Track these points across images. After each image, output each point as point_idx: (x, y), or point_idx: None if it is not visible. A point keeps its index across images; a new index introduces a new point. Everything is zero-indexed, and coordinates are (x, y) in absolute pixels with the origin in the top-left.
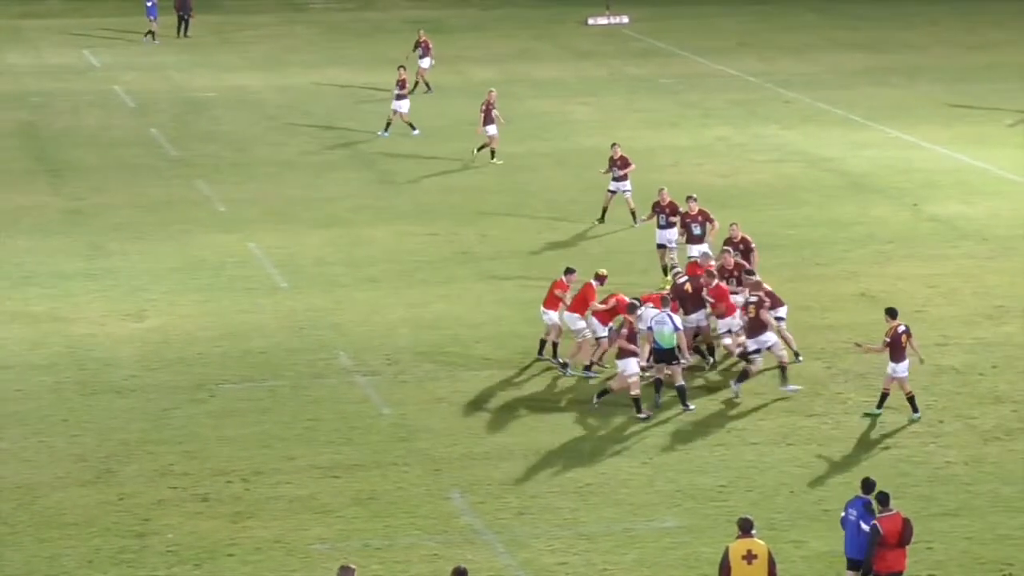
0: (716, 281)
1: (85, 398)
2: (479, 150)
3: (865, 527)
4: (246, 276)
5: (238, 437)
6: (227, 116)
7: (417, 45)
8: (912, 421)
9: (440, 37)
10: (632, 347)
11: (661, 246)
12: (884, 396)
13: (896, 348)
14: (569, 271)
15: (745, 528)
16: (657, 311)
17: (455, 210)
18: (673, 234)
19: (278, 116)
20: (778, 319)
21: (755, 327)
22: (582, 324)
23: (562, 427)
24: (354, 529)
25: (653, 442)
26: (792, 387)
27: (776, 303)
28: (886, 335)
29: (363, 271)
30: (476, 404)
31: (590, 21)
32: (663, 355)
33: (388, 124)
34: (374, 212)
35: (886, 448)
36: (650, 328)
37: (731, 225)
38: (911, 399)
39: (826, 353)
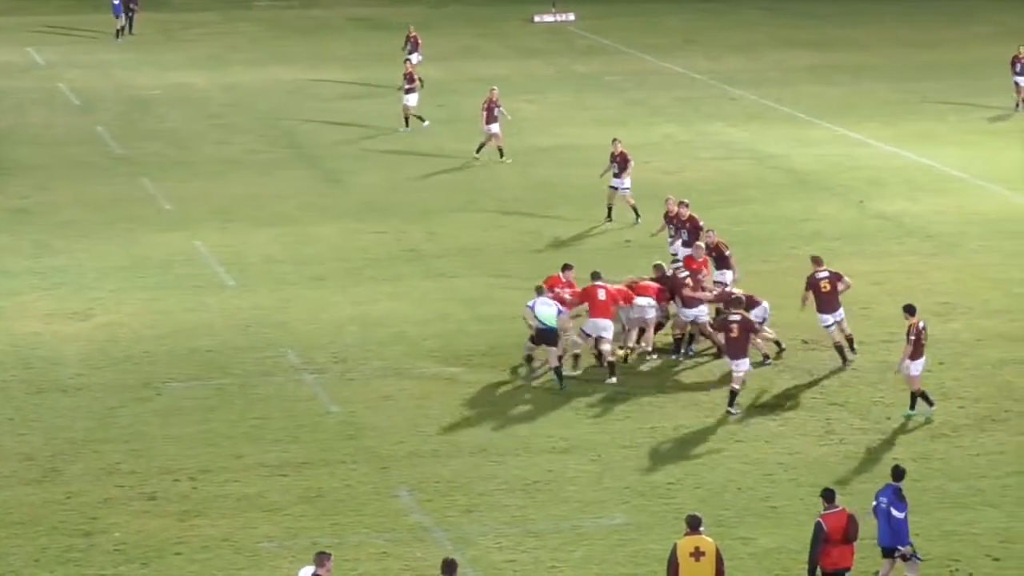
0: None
1: (31, 397)
2: (479, 150)
3: (897, 514)
4: (192, 274)
5: (185, 435)
6: (172, 114)
7: (407, 41)
8: (907, 417)
9: (384, 35)
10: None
11: (674, 255)
12: (921, 395)
13: (917, 345)
14: (566, 267)
15: (693, 525)
16: (648, 300)
17: (402, 208)
18: (679, 245)
19: (223, 114)
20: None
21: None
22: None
23: (510, 424)
24: (302, 527)
25: (601, 439)
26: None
27: (752, 304)
28: (909, 332)
29: (310, 269)
30: (423, 402)
31: (536, 19)
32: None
33: (406, 120)
34: (321, 210)
35: (833, 445)
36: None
37: (708, 232)
38: (916, 396)
39: (774, 350)
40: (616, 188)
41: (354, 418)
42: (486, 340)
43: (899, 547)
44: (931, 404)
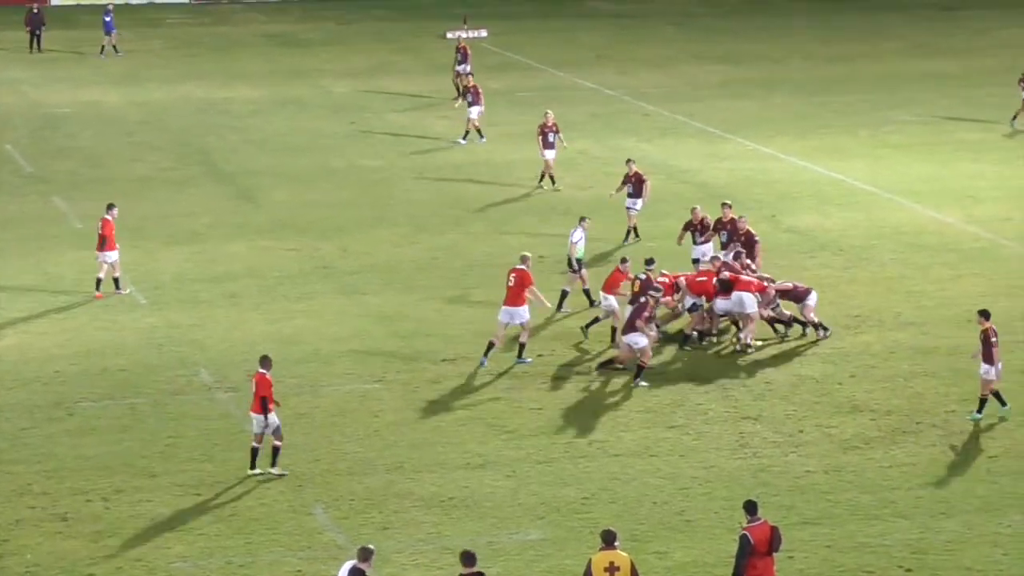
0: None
1: None
2: (541, 180)
3: None
4: (104, 293)
5: (98, 455)
6: (83, 132)
7: (458, 52)
8: (974, 421)
9: (296, 51)
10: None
11: (695, 260)
12: (995, 395)
13: (988, 349)
14: (623, 260)
15: (608, 540)
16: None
17: (315, 224)
18: (708, 249)
19: (136, 132)
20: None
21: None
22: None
23: (425, 441)
24: (216, 546)
25: (516, 455)
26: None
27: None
28: (990, 335)
29: (223, 287)
30: (338, 419)
31: (448, 35)
32: None
33: (479, 131)
34: (233, 227)
35: (747, 458)
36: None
37: (739, 218)
38: (996, 395)
39: (689, 364)
40: (630, 208)
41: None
42: (400, 357)
43: None
44: (979, 412)
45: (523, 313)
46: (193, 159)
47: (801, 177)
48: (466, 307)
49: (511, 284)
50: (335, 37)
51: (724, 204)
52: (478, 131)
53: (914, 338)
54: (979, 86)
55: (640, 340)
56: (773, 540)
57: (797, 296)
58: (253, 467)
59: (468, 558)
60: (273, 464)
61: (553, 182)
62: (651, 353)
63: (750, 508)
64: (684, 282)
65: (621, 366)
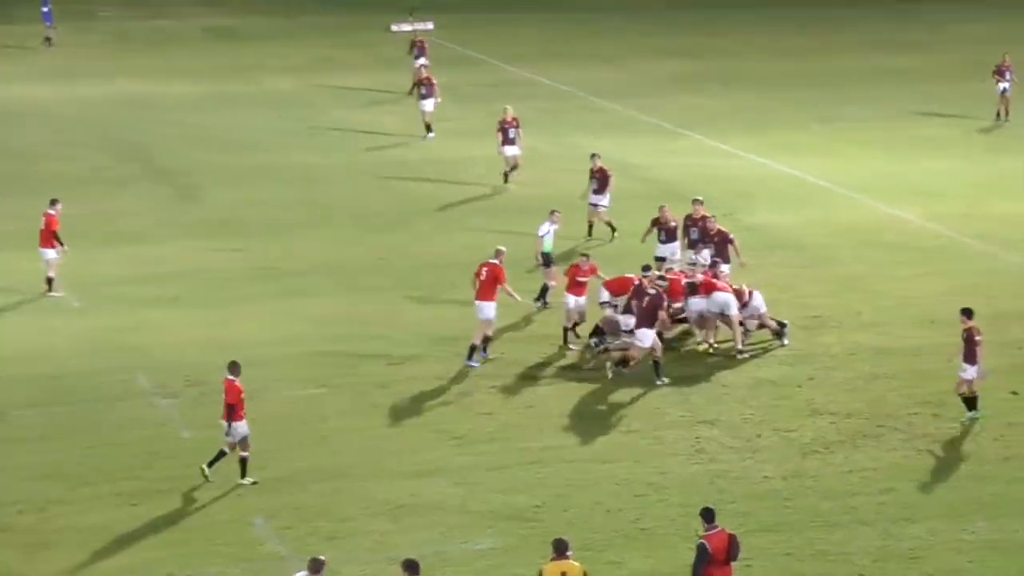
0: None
1: None
2: (512, 170)
3: None
4: (37, 296)
5: (31, 465)
6: (14, 129)
7: (413, 46)
8: (972, 420)
9: (237, 46)
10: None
11: (660, 259)
12: (968, 400)
13: (970, 348)
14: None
15: (560, 549)
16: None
17: (258, 224)
18: (675, 248)
19: (69, 129)
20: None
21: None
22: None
23: (372, 447)
24: (155, 558)
25: (466, 462)
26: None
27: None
28: (974, 335)
29: (162, 289)
30: (282, 425)
31: (393, 27)
32: None
33: (428, 126)
34: (172, 228)
35: (704, 464)
36: None
37: (709, 218)
38: (971, 399)
39: (646, 367)
40: (596, 205)
41: (209, 443)
42: (346, 360)
43: None
44: (972, 409)
45: (490, 310)
46: (130, 157)
47: (758, 174)
48: (415, 308)
49: (483, 278)
50: (277, 31)
51: (695, 200)
52: (427, 126)
53: (875, 339)
54: (938, 81)
55: (646, 337)
56: (731, 548)
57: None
58: (211, 466)
59: (410, 567)
60: (243, 475)
61: (506, 180)
62: (661, 345)
63: (707, 515)
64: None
65: (634, 364)
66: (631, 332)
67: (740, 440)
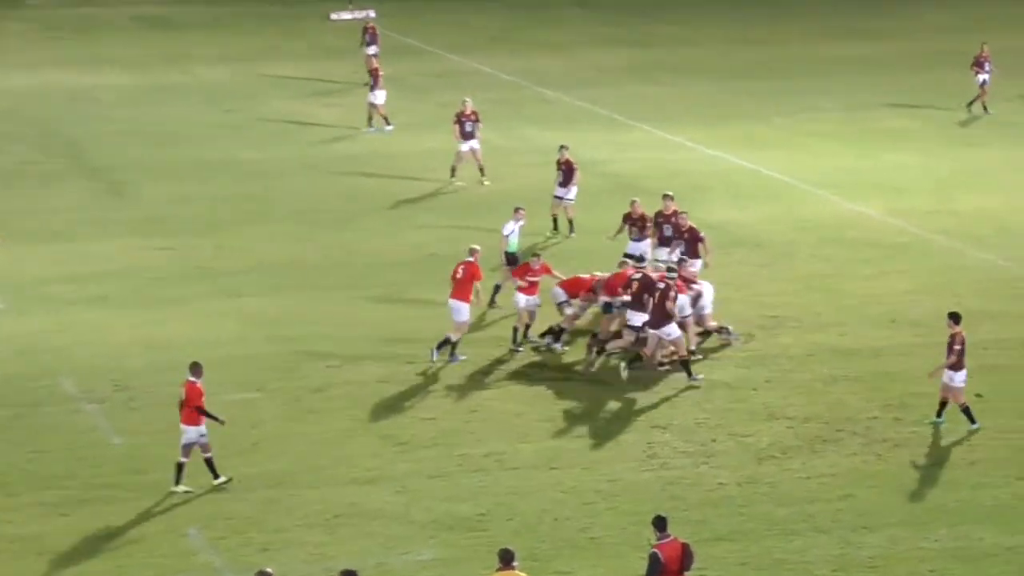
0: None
1: None
2: (482, 173)
3: None
4: None
5: None
6: None
7: (365, 33)
8: (935, 424)
9: (170, 35)
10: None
11: (631, 256)
12: (964, 411)
13: (960, 355)
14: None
15: (506, 560)
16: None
17: (190, 222)
18: (646, 246)
19: None
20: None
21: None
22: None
23: (309, 453)
24: (83, 571)
25: (407, 469)
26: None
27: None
28: (953, 342)
29: (90, 289)
30: (214, 431)
31: (333, 16)
32: None
33: (385, 118)
34: (102, 225)
35: (655, 470)
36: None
37: (680, 214)
38: (945, 405)
39: (596, 371)
40: (561, 198)
41: (140, 450)
42: (284, 363)
43: None
44: (973, 422)
45: (465, 311)
46: (58, 151)
47: (714, 168)
48: (356, 309)
49: (459, 277)
50: (211, 19)
51: (665, 195)
52: (369, 119)
53: (835, 340)
54: (903, 71)
55: (673, 330)
56: (684, 558)
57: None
58: (178, 483)
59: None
60: (215, 476)
61: (452, 173)
62: (684, 342)
63: (659, 524)
64: (601, 282)
65: (649, 360)
66: (639, 328)
67: (694, 445)
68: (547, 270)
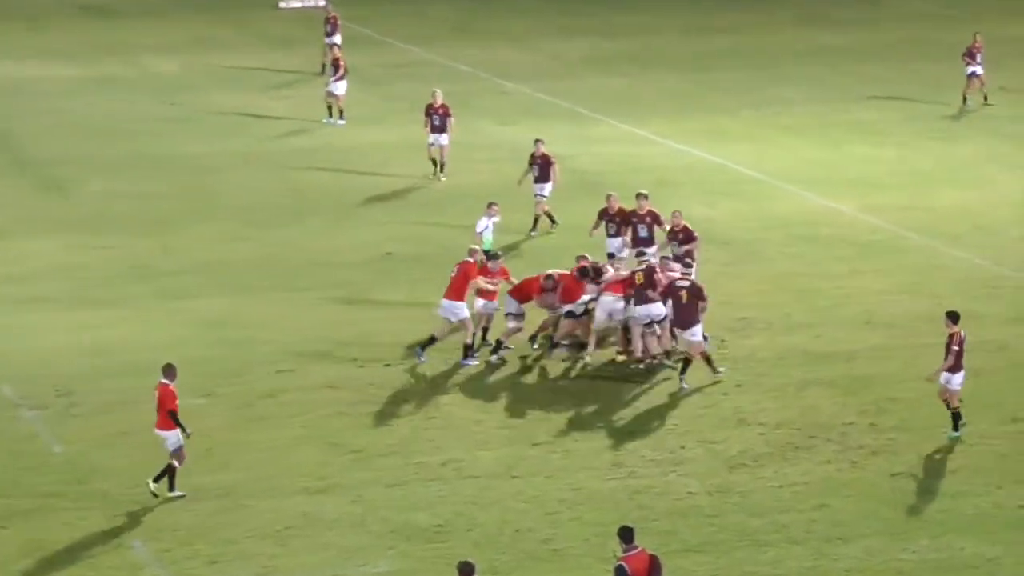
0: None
1: None
2: (441, 169)
3: None
4: None
5: None
6: None
7: (327, 22)
8: (952, 440)
9: (111, 24)
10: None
11: (611, 255)
12: (954, 414)
13: (958, 357)
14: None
15: (465, 572)
16: (615, 297)
17: (131, 219)
18: (620, 243)
19: None
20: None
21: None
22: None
23: (259, 462)
24: None
25: (362, 477)
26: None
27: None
28: (951, 343)
29: (25, 290)
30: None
31: (282, 4)
32: None
33: (330, 109)
34: (39, 222)
35: (621, 479)
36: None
37: (673, 213)
38: (955, 415)
39: (555, 373)
40: (539, 194)
41: (82, 459)
42: (231, 366)
43: None
44: (957, 427)
45: (461, 310)
46: None
47: (680, 162)
48: (307, 310)
49: (454, 275)
50: (155, 8)
51: (639, 195)
52: (329, 110)
53: (807, 342)
54: (875, 61)
55: (698, 332)
56: (652, 570)
57: None
58: (172, 489)
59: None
60: (171, 487)
61: (440, 168)
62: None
63: (626, 535)
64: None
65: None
66: (655, 324)
67: (662, 452)
68: (505, 274)
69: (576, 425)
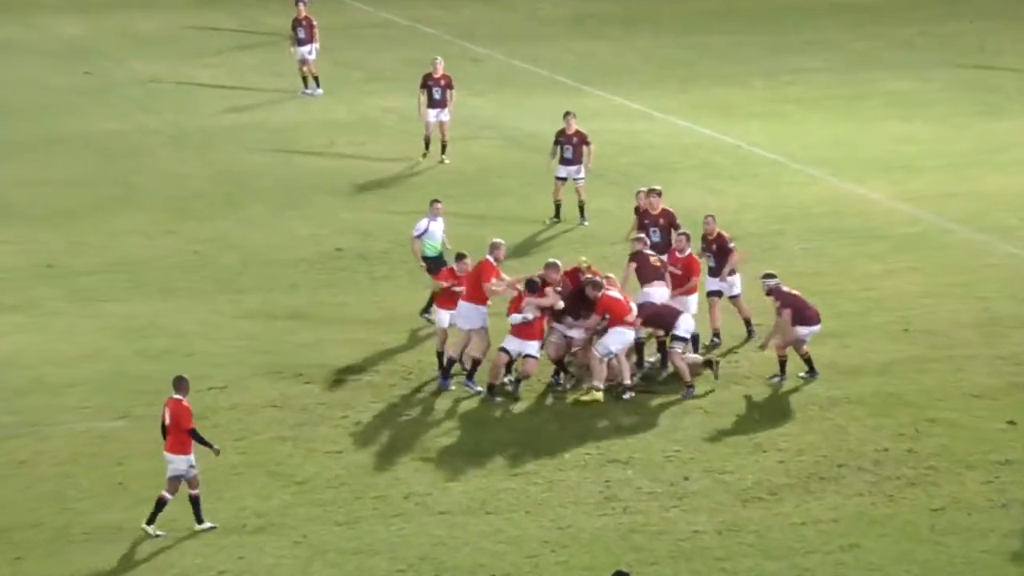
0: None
1: None
2: (427, 147)
3: None
4: None
5: None
6: None
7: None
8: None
9: None
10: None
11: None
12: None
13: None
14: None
15: None
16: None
17: (35, 210)
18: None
19: None
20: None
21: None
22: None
23: (185, 497)
24: None
25: (308, 514)
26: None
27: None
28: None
29: None
30: (70, 468)
31: None
32: None
33: (305, 80)
34: None
35: (615, 515)
36: None
37: (706, 219)
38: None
39: (537, 393)
40: (565, 178)
41: None
42: (153, 383)
43: None
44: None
45: (473, 316)
46: None
47: (682, 141)
48: (240, 317)
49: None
50: None
51: (652, 191)
52: (304, 80)
53: (833, 353)
54: (910, 20)
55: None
56: None
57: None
58: (151, 522)
59: None
60: (199, 520)
61: (442, 148)
62: None
63: None
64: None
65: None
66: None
67: (662, 484)
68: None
69: (561, 452)
